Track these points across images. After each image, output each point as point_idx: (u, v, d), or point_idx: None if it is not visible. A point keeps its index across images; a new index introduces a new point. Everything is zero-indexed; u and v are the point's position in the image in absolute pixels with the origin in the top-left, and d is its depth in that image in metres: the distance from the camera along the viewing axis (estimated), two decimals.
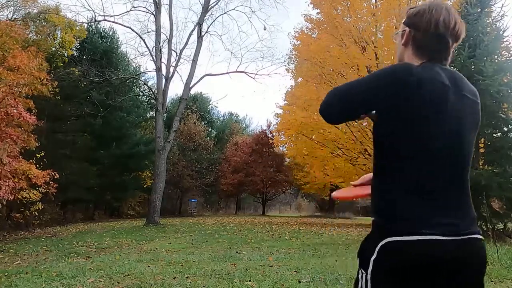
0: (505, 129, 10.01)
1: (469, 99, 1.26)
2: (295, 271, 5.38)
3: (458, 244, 1.13)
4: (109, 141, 23.24)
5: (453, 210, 1.18)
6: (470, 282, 1.18)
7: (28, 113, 11.59)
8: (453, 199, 1.19)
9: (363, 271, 1.18)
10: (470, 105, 1.26)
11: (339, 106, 1.27)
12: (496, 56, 10.12)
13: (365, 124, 16.25)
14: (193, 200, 27.15)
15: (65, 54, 20.07)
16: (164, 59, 18.31)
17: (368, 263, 1.15)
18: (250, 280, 4.77)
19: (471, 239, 1.17)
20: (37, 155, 12.69)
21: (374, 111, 1.22)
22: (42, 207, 13.72)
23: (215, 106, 42.78)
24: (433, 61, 1.26)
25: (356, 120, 1.34)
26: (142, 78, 25.03)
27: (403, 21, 1.36)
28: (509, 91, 9.62)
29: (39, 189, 12.23)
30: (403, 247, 1.10)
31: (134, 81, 24.89)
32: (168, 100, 22.48)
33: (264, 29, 31.07)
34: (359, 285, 1.19)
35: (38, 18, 18.40)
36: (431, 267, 1.11)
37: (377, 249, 1.13)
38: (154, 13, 18.27)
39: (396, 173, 1.18)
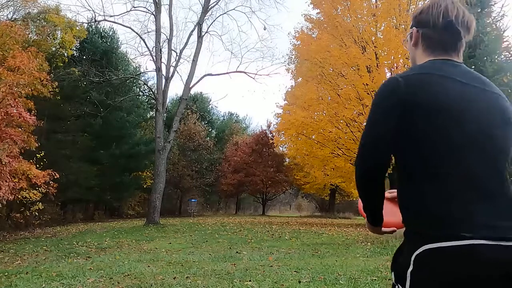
0: None
1: (490, 92, 1.16)
2: (295, 271, 5.37)
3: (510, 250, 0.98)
4: (109, 141, 23.23)
5: (501, 210, 1.04)
6: None
7: (28, 113, 11.60)
8: (498, 197, 1.06)
9: (400, 286, 1.07)
10: (494, 99, 1.15)
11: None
12: (496, 56, 10.13)
13: (364, 123, 16.23)
14: (193, 200, 27.12)
15: (65, 54, 20.06)
16: (164, 59, 18.33)
17: (405, 276, 1.04)
18: (250, 280, 4.77)
19: None
20: (37, 155, 12.70)
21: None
22: (42, 207, 13.70)
23: (215, 106, 42.82)
24: (444, 55, 1.20)
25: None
26: (142, 78, 25.04)
27: (410, 26, 1.33)
28: (510, 91, 9.62)
29: (39, 189, 12.23)
30: (444, 254, 0.98)
31: (134, 81, 24.89)
32: (168, 100, 22.49)
33: (264, 29, 31.13)
34: None
35: (38, 18, 18.39)
36: (481, 280, 0.96)
37: (413, 259, 1.02)
38: (154, 13, 18.28)
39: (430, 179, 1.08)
